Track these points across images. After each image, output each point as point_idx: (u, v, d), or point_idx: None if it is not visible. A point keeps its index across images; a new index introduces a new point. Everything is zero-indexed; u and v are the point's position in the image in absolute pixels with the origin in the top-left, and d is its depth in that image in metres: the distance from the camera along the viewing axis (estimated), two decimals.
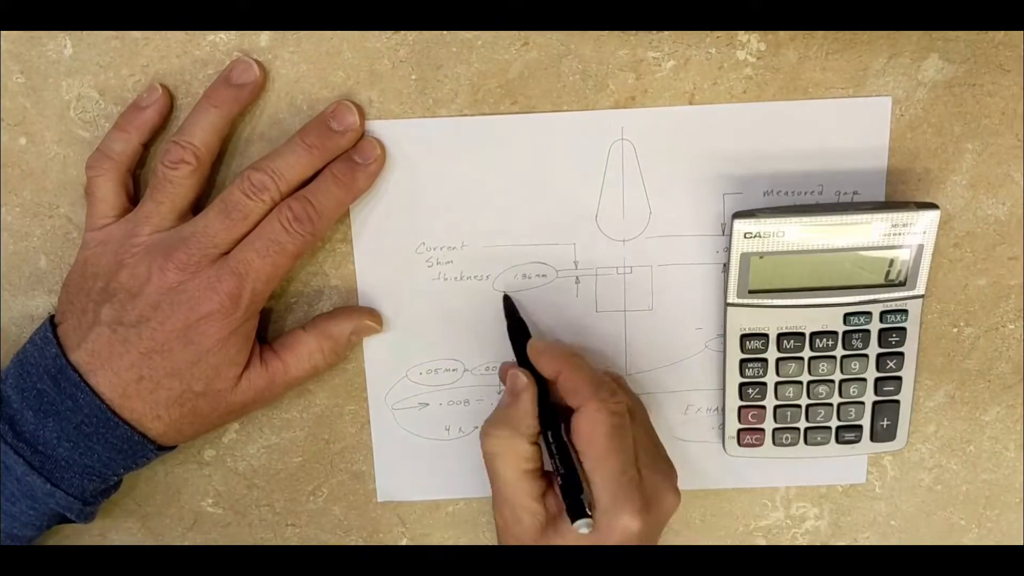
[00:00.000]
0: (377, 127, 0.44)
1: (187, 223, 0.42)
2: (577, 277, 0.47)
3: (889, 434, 0.47)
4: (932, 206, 0.42)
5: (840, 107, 0.44)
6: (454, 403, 0.49)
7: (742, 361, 0.46)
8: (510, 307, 0.47)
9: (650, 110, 0.44)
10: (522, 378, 0.44)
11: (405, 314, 0.47)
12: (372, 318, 0.47)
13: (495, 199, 0.46)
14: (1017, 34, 0.43)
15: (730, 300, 0.45)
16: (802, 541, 0.52)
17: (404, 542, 0.52)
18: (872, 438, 0.47)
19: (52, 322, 0.43)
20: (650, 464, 0.42)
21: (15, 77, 0.44)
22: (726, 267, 0.44)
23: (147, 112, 0.43)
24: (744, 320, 0.45)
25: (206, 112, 0.43)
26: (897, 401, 0.46)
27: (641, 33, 0.44)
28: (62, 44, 0.44)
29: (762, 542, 0.52)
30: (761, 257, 0.43)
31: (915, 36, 0.44)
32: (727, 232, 0.45)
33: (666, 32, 0.44)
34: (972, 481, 0.50)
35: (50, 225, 0.46)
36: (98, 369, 0.42)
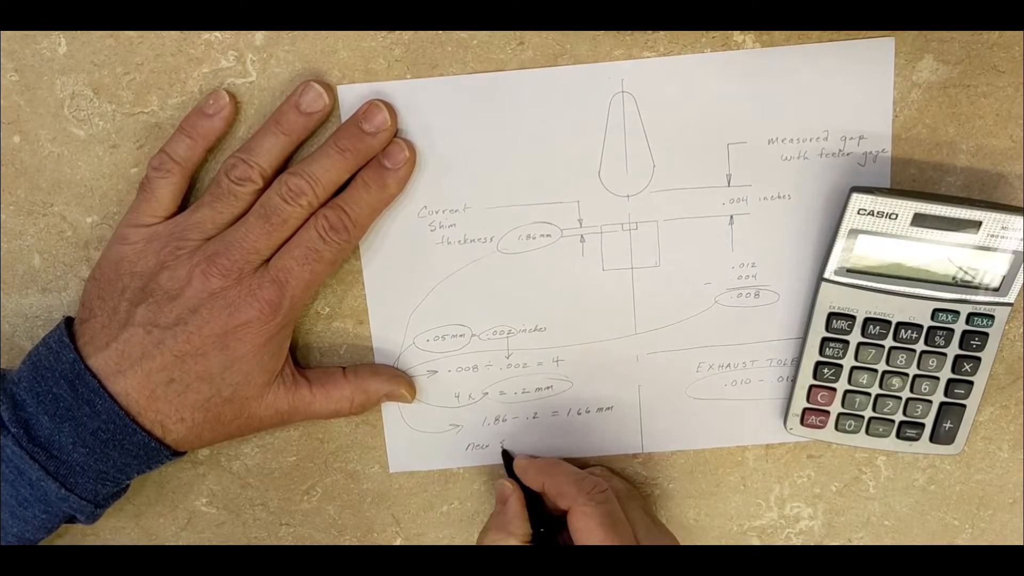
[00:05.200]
0: (373, 89, 0.44)
1: (227, 229, 0.43)
2: (582, 235, 0.47)
3: (949, 437, 0.47)
4: None
5: (842, 50, 0.44)
6: (463, 369, 0.49)
7: (824, 339, 0.45)
8: (506, 456, 0.49)
9: (649, 60, 0.44)
10: (507, 485, 0.46)
11: (409, 280, 0.47)
12: (409, 389, 0.48)
13: (496, 158, 0.45)
14: (1011, 35, 0.44)
15: (826, 276, 0.44)
16: (796, 541, 0.52)
17: (398, 542, 0.52)
18: (932, 439, 0.47)
19: (67, 325, 0.43)
20: (652, 540, 0.43)
21: (9, 75, 0.44)
22: (833, 240, 0.44)
23: (214, 120, 0.43)
24: (835, 298, 0.45)
25: (276, 137, 0.43)
26: (964, 406, 0.46)
27: (636, 33, 0.44)
28: (56, 42, 0.44)
29: (756, 542, 0.52)
30: (869, 236, 0.43)
31: (910, 37, 0.44)
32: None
33: (661, 32, 0.44)
34: (966, 481, 0.50)
35: (44, 224, 0.46)
36: (127, 369, 0.42)
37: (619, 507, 0.43)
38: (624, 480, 0.49)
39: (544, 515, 0.45)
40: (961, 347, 0.45)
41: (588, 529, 0.41)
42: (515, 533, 0.44)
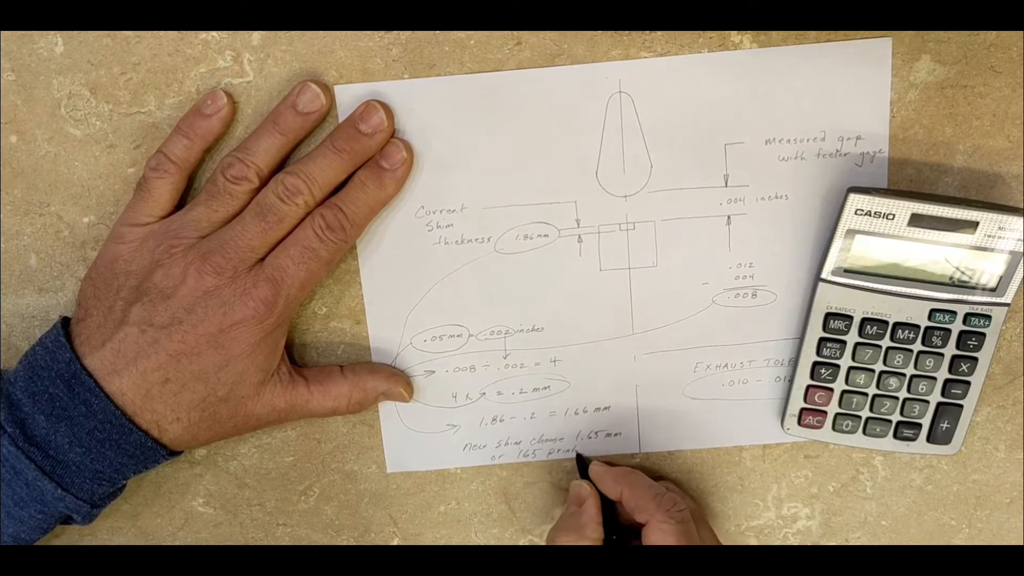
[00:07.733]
0: (370, 89, 0.44)
1: (223, 228, 0.43)
2: (579, 236, 0.47)
3: (946, 437, 0.47)
4: None
5: (839, 50, 0.44)
6: (460, 369, 0.49)
7: (821, 340, 0.46)
8: (580, 460, 0.49)
9: (647, 60, 0.44)
10: (585, 487, 0.46)
11: (407, 280, 0.47)
12: (406, 388, 0.47)
13: (493, 159, 0.45)
14: (1009, 35, 0.44)
15: (823, 276, 0.44)
16: (793, 541, 0.52)
17: (396, 542, 0.51)
18: (929, 439, 0.47)
19: (63, 325, 0.43)
20: None
21: (6, 75, 0.44)
22: (830, 240, 0.44)
23: (211, 120, 0.43)
24: (832, 298, 0.45)
25: (272, 137, 0.43)
26: (961, 406, 0.46)
27: (634, 33, 0.44)
28: (53, 42, 0.44)
29: (753, 542, 0.52)
30: (866, 236, 0.43)
31: (907, 37, 0.44)
32: (838, 205, 0.44)
33: (659, 32, 0.44)
34: (963, 481, 0.50)
35: (41, 223, 0.46)
36: (123, 369, 0.41)
37: (695, 527, 0.43)
38: (694, 501, 0.49)
39: (617, 523, 0.45)
40: (958, 347, 0.45)
41: (665, 545, 0.42)
42: (589, 537, 0.43)
